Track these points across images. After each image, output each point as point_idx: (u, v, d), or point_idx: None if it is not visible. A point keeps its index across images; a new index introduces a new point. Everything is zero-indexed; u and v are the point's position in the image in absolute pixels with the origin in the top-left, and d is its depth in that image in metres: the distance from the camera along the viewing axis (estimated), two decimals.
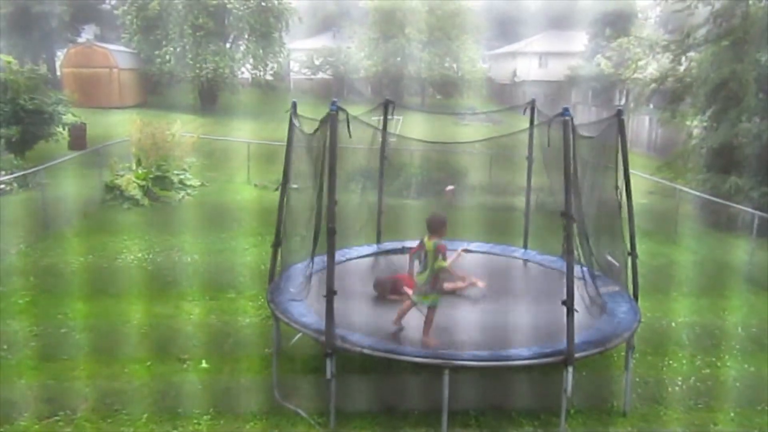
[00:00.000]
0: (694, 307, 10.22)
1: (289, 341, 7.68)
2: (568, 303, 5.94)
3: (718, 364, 8.34)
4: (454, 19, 42.29)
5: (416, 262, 7.10)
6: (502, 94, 50.19)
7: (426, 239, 6.83)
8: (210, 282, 10.44)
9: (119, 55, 34.89)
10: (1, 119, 17.64)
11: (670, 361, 8.27)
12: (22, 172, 15.50)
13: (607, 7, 43.72)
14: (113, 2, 39.06)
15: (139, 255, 11.69)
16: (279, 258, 7.85)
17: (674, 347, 8.71)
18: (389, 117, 9.78)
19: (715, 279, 11.93)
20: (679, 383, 7.70)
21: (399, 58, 41.15)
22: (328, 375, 6.14)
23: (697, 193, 16.73)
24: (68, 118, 19.69)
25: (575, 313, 5.97)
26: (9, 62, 19.24)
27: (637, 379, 7.54)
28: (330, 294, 6.12)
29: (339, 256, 7.16)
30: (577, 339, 6.01)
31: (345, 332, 6.34)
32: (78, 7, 35.33)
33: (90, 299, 9.37)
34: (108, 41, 37.26)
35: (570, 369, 5.96)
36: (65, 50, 37.05)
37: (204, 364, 7.63)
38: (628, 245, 7.51)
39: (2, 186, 15.11)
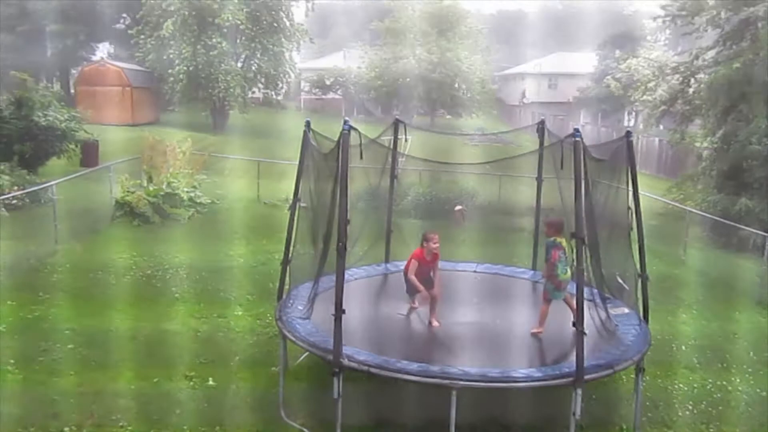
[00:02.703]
0: (704, 330, 10.14)
1: (296, 359, 7.66)
2: (578, 325, 5.90)
3: (729, 388, 8.24)
4: (465, 40, 42.58)
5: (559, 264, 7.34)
6: (512, 115, 50.34)
7: (559, 239, 7.26)
8: (218, 299, 10.45)
9: (132, 73, 35.29)
10: (15, 135, 17.83)
11: (681, 384, 8.19)
12: (34, 188, 15.63)
13: (616, 29, 43.93)
14: (127, 21, 39.58)
15: (148, 272, 11.73)
16: (288, 276, 7.87)
17: (684, 370, 8.62)
18: (400, 137, 9.83)
19: (726, 301, 11.82)
20: (690, 406, 7.62)
21: (409, 79, 41.39)
22: (335, 394, 6.11)
23: (707, 215, 16.65)
24: (81, 134, 19.86)
25: (585, 335, 5.93)
26: (24, 79, 19.48)
27: (647, 403, 7.46)
28: (338, 313, 6.12)
29: (347, 275, 7.15)
30: (586, 361, 5.96)
31: (352, 351, 6.32)
32: (93, 26, 35.82)
33: (98, 315, 9.40)
34: (121, 60, 37.72)
35: (579, 391, 5.91)
36: (79, 68, 37.54)
37: (210, 382, 7.61)
38: (638, 267, 7.47)
39: (15, 201, 15.22)
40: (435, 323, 7.71)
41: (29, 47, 33.41)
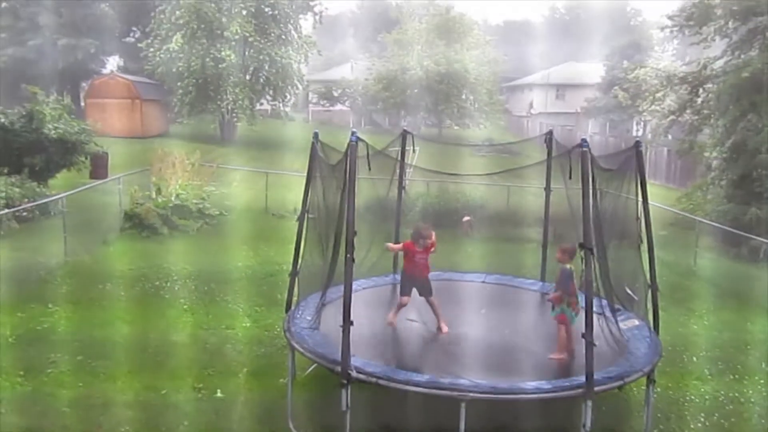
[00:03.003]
0: (716, 341, 10.04)
1: (304, 371, 7.64)
2: (588, 336, 5.86)
3: (741, 399, 8.15)
4: (472, 51, 42.70)
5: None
6: (519, 126, 50.35)
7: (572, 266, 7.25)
8: (226, 311, 10.46)
9: (142, 86, 35.60)
10: (26, 148, 17.97)
11: (692, 396, 8.10)
12: (44, 200, 15.73)
13: (624, 39, 43.95)
14: (137, 35, 39.96)
15: (157, 283, 11.75)
16: (296, 287, 7.86)
17: (696, 382, 8.54)
18: (408, 148, 9.84)
19: (737, 311, 11.73)
20: (702, 418, 7.53)
21: (416, 90, 41.51)
22: (343, 406, 6.08)
23: (718, 225, 16.55)
24: (91, 147, 20.00)
25: (595, 347, 5.89)
26: (35, 93, 19.65)
27: (659, 414, 7.39)
28: (346, 324, 6.10)
29: (355, 286, 7.14)
30: (596, 373, 5.91)
31: (360, 362, 6.29)
32: (103, 39, 36.23)
33: (107, 326, 9.43)
34: (131, 72, 38.06)
35: (589, 403, 5.85)
36: (89, 81, 37.89)
37: (219, 393, 7.60)
38: (648, 277, 7.42)
39: (25, 213, 15.33)
40: (444, 328, 7.74)
41: (40, 61, 33.76)
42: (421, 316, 8.06)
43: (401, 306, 7.91)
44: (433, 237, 7.96)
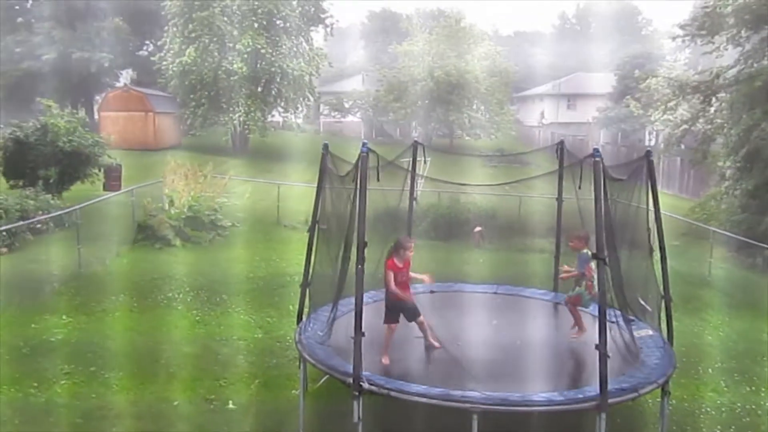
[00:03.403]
0: (732, 352, 9.93)
1: (316, 382, 7.63)
2: (601, 348, 5.81)
3: (759, 411, 8.04)
4: (482, 62, 42.76)
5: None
6: (531, 136, 50.27)
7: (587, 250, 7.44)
8: (239, 321, 10.47)
9: (155, 99, 35.92)
10: (40, 160, 18.18)
11: (708, 408, 8.00)
12: (58, 212, 15.87)
13: (635, 49, 43.86)
14: (150, 49, 40.37)
15: (169, 294, 11.80)
16: (308, 298, 7.87)
17: (712, 393, 8.43)
18: (419, 159, 9.85)
19: (752, 321, 11.59)
20: (718, 430, 7.44)
21: (427, 101, 41.59)
22: (356, 418, 6.06)
23: (732, 235, 16.41)
24: (104, 159, 20.20)
25: (608, 358, 5.84)
26: (49, 106, 19.90)
27: (674, 427, 7.30)
28: (358, 336, 6.09)
29: (367, 297, 7.14)
30: (610, 384, 5.86)
31: (372, 374, 6.28)
32: (117, 53, 36.64)
33: (119, 338, 9.46)
34: (145, 86, 38.44)
35: (603, 416, 5.80)
36: (103, 94, 38.29)
37: (231, 405, 7.60)
38: (662, 288, 7.36)
39: (39, 225, 15.47)
40: (436, 344, 7.55)
41: (55, 74, 34.18)
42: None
43: (390, 335, 7.33)
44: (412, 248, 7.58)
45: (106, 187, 21.53)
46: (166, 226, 15.73)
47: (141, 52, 41.04)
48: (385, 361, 7.08)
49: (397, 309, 7.41)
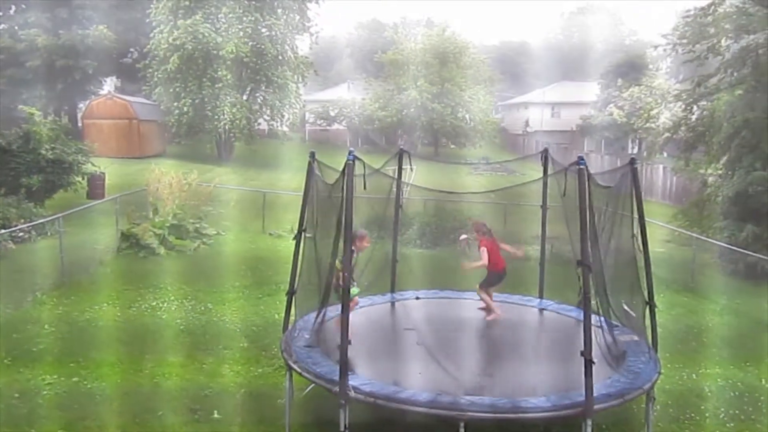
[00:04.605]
0: (715, 358, 10.00)
1: (302, 391, 7.59)
2: (587, 354, 5.84)
3: (742, 417, 8.10)
4: (467, 71, 43.03)
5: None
6: (515, 144, 50.59)
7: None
8: (224, 331, 10.40)
9: (139, 106, 35.73)
10: (22, 168, 17.99)
11: (693, 414, 8.05)
12: (40, 220, 15.71)
13: (618, 58, 44.36)
14: (134, 56, 40.19)
15: (153, 303, 11.70)
16: (293, 307, 7.84)
17: (696, 399, 8.49)
18: (404, 167, 9.87)
19: (736, 329, 11.70)
20: None
21: (413, 109, 41.76)
22: (342, 426, 6.04)
23: (714, 241, 16.58)
24: (88, 167, 20.05)
25: (594, 365, 5.87)
26: (32, 114, 19.72)
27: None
28: (344, 344, 6.08)
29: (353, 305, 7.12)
30: (595, 391, 5.89)
31: (359, 382, 6.26)
32: (101, 60, 36.38)
33: (103, 349, 9.34)
34: (129, 93, 38.22)
35: (589, 422, 5.82)
36: (87, 102, 38.01)
37: (216, 415, 7.54)
38: (646, 295, 7.41)
39: (21, 234, 15.30)
40: None
41: (38, 82, 33.89)
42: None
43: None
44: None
45: (90, 196, 21.37)
46: (150, 234, 15.62)
47: (125, 60, 40.80)
48: None
49: None
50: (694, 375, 9.27)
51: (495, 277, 9.12)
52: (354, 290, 7.57)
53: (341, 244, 6.64)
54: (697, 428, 7.69)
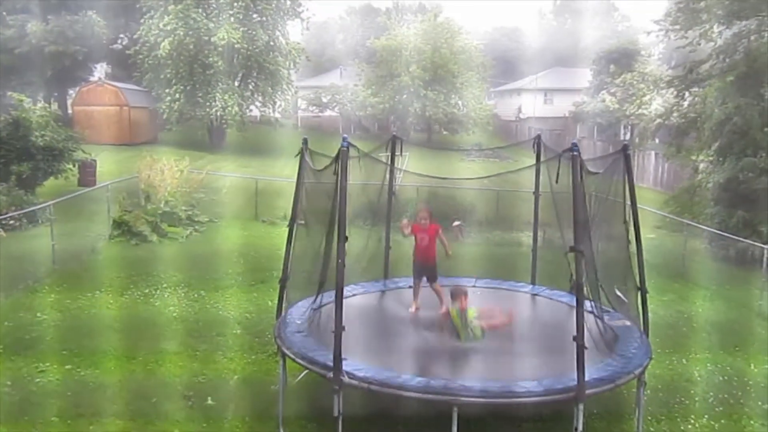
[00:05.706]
0: (705, 344, 10.10)
1: (296, 377, 7.62)
2: (579, 339, 5.88)
3: (731, 401, 8.19)
4: (459, 56, 42.85)
5: None
6: (508, 131, 50.54)
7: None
8: (217, 318, 10.42)
9: (130, 93, 35.42)
10: (12, 156, 17.85)
11: (683, 398, 8.14)
12: (31, 208, 15.62)
13: (611, 45, 44.29)
14: (125, 42, 39.81)
15: (146, 291, 11.68)
16: (286, 294, 7.84)
17: (686, 384, 8.58)
18: (397, 153, 9.85)
19: (725, 314, 11.81)
20: (692, 420, 7.57)
21: (405, 96, 41.59)
22: (336, 412, 6.07)
23: (705, 228, 16.68)
24: (78, 154, 19.91)
25: (585, 350, 5.91)
26: (21, 100, 19.54)
27: (649, 417, 7.42)
28: (338, 330, 6.09)
29: (346, 291, 7.13)
30: (587, 375, 5.93)
31: (352, 368, 6.28)
32: (91, 46, 36.01)
33: (96, 336, 9.34)
34: (119, 80, 37.85)
35: (581, 406, 5.87)
36: (77, 88, 37.67)
37: (209, 401, 7.56)
38: (638, 280, 7.46)
39: (12, 221, 15.21)
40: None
41: (27, 68, 33.51)
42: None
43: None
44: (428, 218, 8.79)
45: (81, 183, 21.23)
46: (143, 222, 15.56)
47: (115, 46, 40.38)
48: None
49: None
50: (684, 360, 9.36)
51: (415, 266, 8.90)
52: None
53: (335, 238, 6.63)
54: (687, 412, 7.77)
